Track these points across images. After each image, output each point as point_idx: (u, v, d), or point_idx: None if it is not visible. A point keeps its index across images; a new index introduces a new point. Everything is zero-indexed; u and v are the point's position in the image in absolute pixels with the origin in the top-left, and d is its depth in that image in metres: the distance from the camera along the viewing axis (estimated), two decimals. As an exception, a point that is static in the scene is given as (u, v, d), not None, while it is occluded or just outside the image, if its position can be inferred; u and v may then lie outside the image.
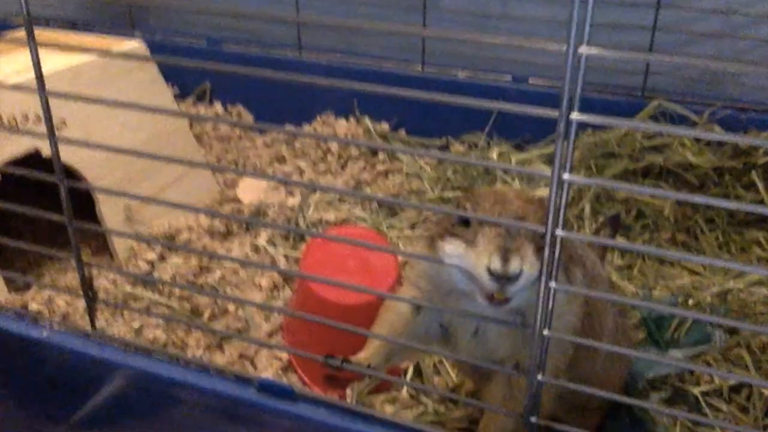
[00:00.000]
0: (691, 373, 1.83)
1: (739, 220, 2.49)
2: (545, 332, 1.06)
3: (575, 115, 0.88)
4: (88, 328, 1.55)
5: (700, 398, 1.78)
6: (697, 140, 2.58)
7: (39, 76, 1.28)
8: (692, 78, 2.84)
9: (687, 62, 0.88)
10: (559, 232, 0.97)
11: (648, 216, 2.47)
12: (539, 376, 1.10)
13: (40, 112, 1.32)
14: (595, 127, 2.67)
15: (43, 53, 1.27)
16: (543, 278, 1.00)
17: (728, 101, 2.68)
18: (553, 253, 0.99)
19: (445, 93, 1.04)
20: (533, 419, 1.15)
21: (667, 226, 2.45)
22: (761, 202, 2.42)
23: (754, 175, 2.47)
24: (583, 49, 0.85)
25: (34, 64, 1.26)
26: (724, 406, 1.77)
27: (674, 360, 1.81)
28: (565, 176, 0.92)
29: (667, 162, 2.50)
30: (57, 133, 1.35)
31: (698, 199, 0.95)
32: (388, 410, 1.80)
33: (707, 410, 1.76)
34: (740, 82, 2.83)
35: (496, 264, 1.09)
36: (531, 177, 2.64)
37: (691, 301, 2.10)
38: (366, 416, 1.31)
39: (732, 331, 1.91)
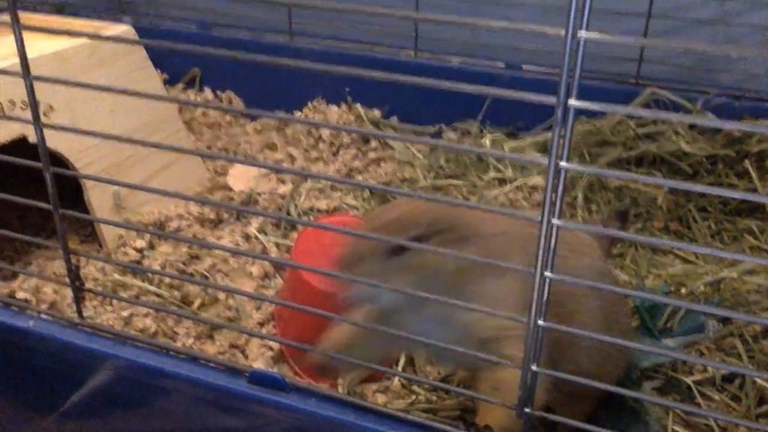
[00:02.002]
0: (684, 362, 1.82)
1: (731, 209, 2.48)
2: (540, 322, 1.04)
3: (573, 102, 0.86)
4: (76, 316, 1.53)
5: (693, 387, 1.77)
6: (691, 128, 2.58)
7: (24, 59, 1.25)
8: (686, 66, 2.83)
9: (685, 46, 0.86)
10: (555, 221, 0.95)
11: (641, 205, 2.46)
12: (534, 367, 1.09)
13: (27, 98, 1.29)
14: (589, 115, 2.65)
15: (29, 37, 1.24)
16: (539, 268, 0.99)
17: (722, 89, 2.67)
18: (549, 242, 0.97)
19: (437, 80, 1.02)
20: (527, 410, 1.13)
21: (660, 215, 2.44)
22: (754, 190, 2.42)
23: (747, 163, 2.46)
24: (582, 34, 0.83)
25: (18, 48, 1.23)
26: (716, 396, 1.76)
27: (668, 349, 1.80)
28: (562, 164, 0.90)
29: (660, 150, 2.49)
30: (44, 119, 1.32)
31: (693, 186, 0.94)
32: (380, 400, 1.79)
33: (700, 399, 1.76)
34: (734, 70, 2.81)
35: None
36: (524, 165, 2.63)
37: (683, 290, 2.09)
38: (357, 406, 1.30)
39: (725, 321, 1.90)
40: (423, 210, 1.22)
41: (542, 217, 0.95)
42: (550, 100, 0.88)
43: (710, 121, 0.96)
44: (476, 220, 1.26)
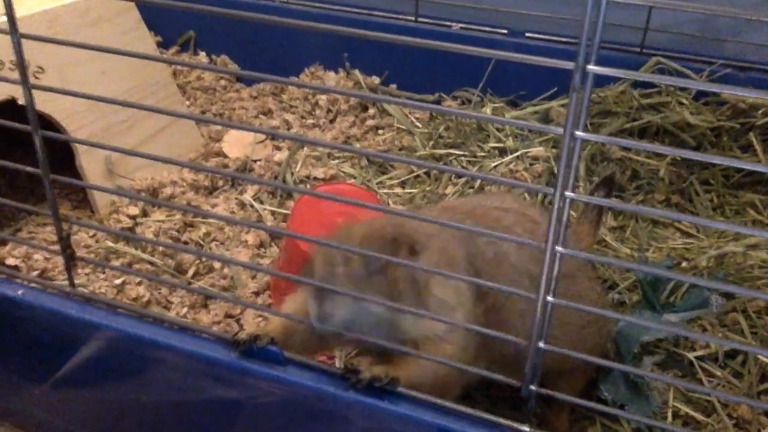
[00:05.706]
0: (686, 337, 1.79)
1: (734, 183, 2.44)
2: (549, 298, 1.01)
3: (592, 67, 0.81)
4: (67, 285, 1.49)
5: (695, 363, 1.75)
6: (696, 99, 2.53)
7: (11, 17, 1.19)
8: (692, 35, 2.77)
9: (708, 10, 0.82)
10: (569, 193, 0.91)
11: (642, 177, 2.42)
12: (541, 344, 1.05)
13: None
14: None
15: (16, -6, 1.18)
16: (549, 244, 0.94)
17: (728, 60, 2.62)
18: (561, 215, 0.93)
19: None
20: (533, 387, 1.10)
21: (661, 188, 2.40)
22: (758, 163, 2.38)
23: (751, 135, 2.42)
24: (605, -5, 0.78)
25: (5, 4, 1.17)
26: (718, 372, 1.74)
27: (669, 325, 1.77)
28: (578, 133, 0.86)
29: (664, 121, 2.44)
30: (33, 80, 1.27)
31: (703, 156, 0.90)
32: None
33: (702, 375, 1.74)
34: (740, 41, 2.76)
35: (313, 308, 1.24)
36: (524, 136, 2.58)
37: (685, 264, 2.06)
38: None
39: (729, 296, 1.88)
40: (382, 229, 1.31)
41: (555, 188, 0.90)
42: (567, 65, 0.83)
43: (720, 87, 0.91)
44: (424, 236, 1.34)
